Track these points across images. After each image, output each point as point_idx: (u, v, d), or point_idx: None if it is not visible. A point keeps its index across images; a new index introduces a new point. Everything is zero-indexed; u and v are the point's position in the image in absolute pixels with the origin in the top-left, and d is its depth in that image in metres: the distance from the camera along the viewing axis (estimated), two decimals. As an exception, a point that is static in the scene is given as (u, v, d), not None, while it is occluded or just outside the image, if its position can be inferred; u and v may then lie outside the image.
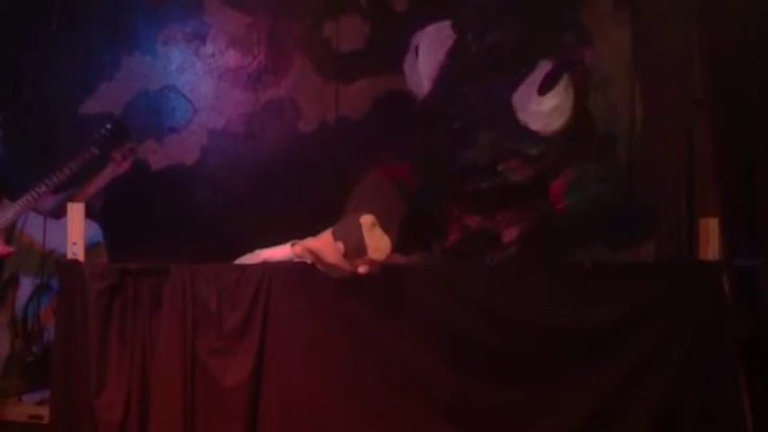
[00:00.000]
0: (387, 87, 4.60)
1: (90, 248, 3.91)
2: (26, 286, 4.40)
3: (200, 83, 4.73)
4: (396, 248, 3.86)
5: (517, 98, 4.15)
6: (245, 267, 3.53)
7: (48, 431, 3.44)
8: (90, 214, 3.84)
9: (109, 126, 4.20)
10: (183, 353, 3.35)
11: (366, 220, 3.40)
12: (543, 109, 4.12)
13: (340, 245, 3.38)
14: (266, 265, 3.55)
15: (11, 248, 4.14)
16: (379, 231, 3.41)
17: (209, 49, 4.72)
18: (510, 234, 4.04)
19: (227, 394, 3.34)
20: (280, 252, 3.58)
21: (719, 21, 4.32)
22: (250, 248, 3.95)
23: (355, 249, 3.36)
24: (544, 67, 4.10)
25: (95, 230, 4.35)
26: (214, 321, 3.40)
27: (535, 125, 4.11)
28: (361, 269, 3.39)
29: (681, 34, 4.44)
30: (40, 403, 4.09)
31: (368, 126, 4.60)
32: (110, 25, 4.73)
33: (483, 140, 4.11)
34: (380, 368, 3.40)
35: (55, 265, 4.01)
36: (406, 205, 3.99)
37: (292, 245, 3.55)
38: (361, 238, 3.36)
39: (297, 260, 3.54)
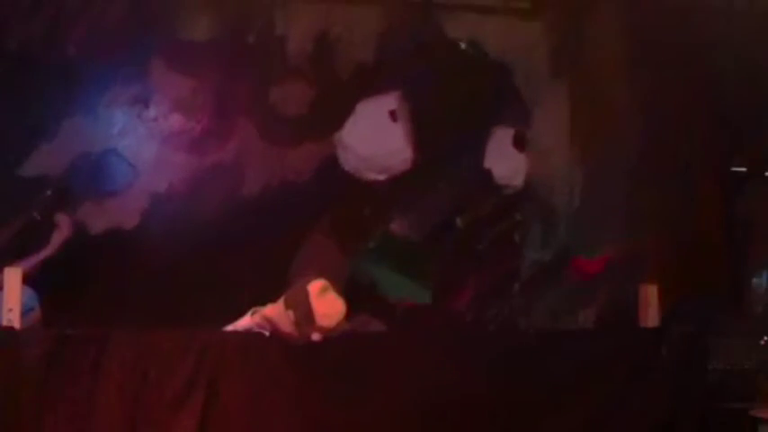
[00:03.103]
0: (333, 152, 4.64)
1: (24, 315, 3.81)
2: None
3: (142, 146, 4.68)
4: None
5: (489, 160, 4.34)
6: (186, 334, 3.46)
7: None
8: (25, 279, 3.76)
9: (50, 192, 4.17)
10: (123, 422, 3.27)
11: (314, 286, 3.39)
12: (521, 166, 4.33)
13: (291, 313, 3.37)
14: (207, 334, 3.50)
15: None
16: (330, 296, 3.40)
17: (152, 112, 4.69)
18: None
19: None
20: (242, 323, 3.54)
21: (651, 96, 4.46)
22: (192, 313, 3.88)
23: (304, 317, 3.34)
24: (504, 131, 4.29)
25: (31, 296, 4.24)
26: (155, 390, 3.32)
27: (516, 181, 4.33)
28: (314, 337, 3.37)
29: (619, 102, 4.57)
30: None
31: (312, 190, 4.62)
32: (50, 86, 4.67)
33: (472, 202, 4.24)
34: None
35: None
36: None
37: (252, 314, 3.52)
38: (309, 306, 3.33)
39: (257, 329, 3.51)
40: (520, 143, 4.37)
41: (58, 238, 4.18)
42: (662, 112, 4.50)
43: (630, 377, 3.63)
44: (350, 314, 4.01)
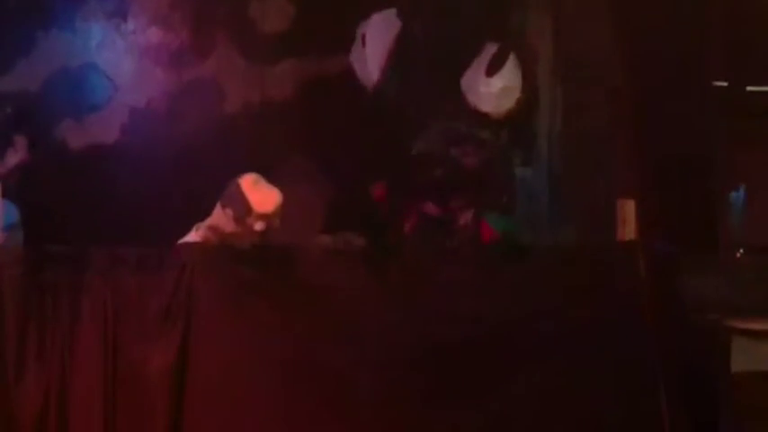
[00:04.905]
0: (314, 71, 4.60)
1: (6, 230, 3.83)
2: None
3: (120, 60, 4.63)
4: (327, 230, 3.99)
5: (465, 82, 4.25)
6: (165, 250, 3.48)
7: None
8: (6, 194, 3.77)
9: (9, 109, 4.14)
10: (103, 340, 3.29)
11: (246, 179, 3.54)
12: (493, 90, 4.23)
13: (229, 211, 3.52)
14: (187, 247, 3.54)
15: None
16: (263, 186, 3.54)
17: (130, 25, 4.62)
18: (465, 219, 4.12)
19: (150, 383, 3.29)
20: (187, 239, 3.61)
21: (634, 12, 4.41)
22: (170, 229, 3.90)
23: (241, 209, 3.49)
24: (490, 50, 4.20)
25: (11, 211, 4.25)
26: (136, 307, 3.34)
27: (485, 107, 4.22)
28: (257, 226, 3.50)
29: (599, 25, 4.53)
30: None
31: (293, 109, 4.59)
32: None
33: (434, 127, 4.19)
34: (308, 359, 3.39)
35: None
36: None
37: (196, 229, 3.62)
38: (243, 197, 3.49)
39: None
40: (494, 66, 4.26)
41: (11, 159, 4.17)
42: (644, 29, 4.47)
43: (607, 292, 3.65)
44: (333, 232, 4.10)
